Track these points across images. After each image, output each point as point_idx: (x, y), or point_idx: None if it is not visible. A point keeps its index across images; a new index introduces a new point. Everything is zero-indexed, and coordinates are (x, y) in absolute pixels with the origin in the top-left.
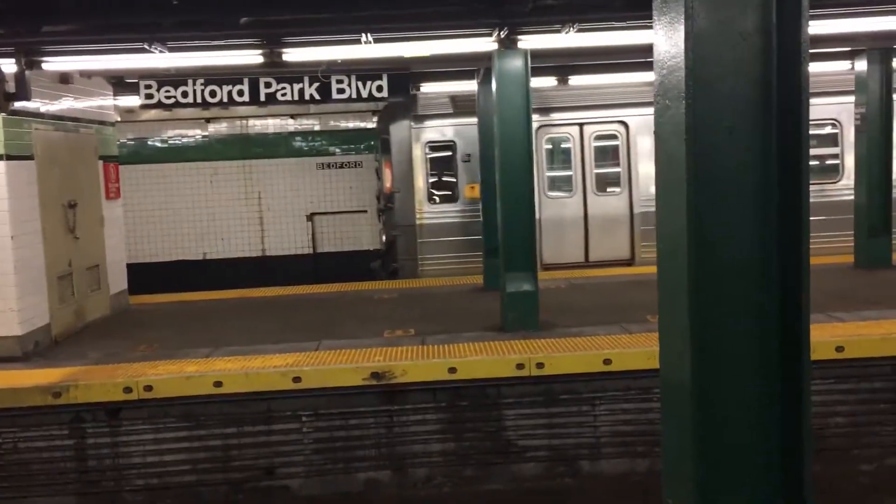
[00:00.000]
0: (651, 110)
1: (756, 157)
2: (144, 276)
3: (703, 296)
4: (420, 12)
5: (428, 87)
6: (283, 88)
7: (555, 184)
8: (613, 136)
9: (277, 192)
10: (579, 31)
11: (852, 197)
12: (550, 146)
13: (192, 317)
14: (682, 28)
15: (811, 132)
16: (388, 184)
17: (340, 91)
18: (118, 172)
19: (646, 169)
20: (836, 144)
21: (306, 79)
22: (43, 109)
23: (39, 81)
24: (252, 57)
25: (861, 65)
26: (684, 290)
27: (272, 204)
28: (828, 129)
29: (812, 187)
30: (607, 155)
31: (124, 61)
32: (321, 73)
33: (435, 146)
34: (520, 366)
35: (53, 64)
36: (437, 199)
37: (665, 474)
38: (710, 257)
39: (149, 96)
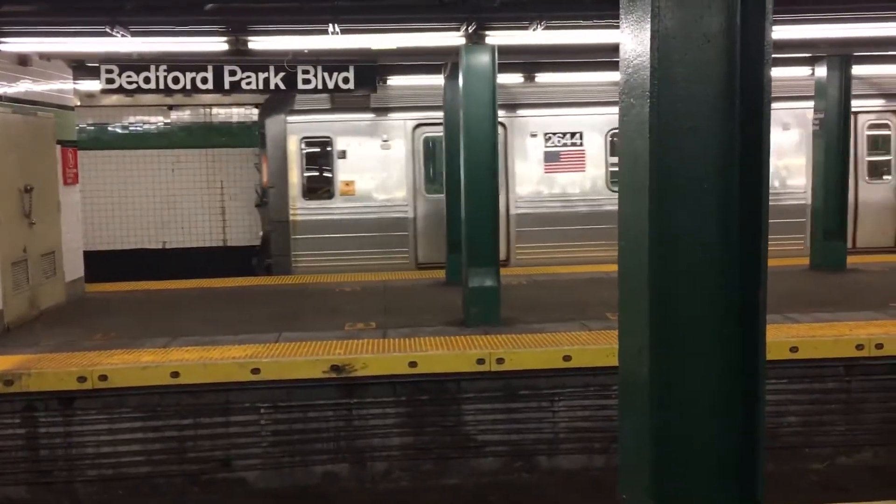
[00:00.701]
0: (527, 112)
1: (718, 158)
2: (102, 264)
3: (663, 293)
4: (388, 4)
5: (395, 81)
6: (248, 77)
7: (433, 183)
8: None
9: (240, 182)
10: (546, 28)
11: None
12: (431, 145)
13: (150, 306)
14: (648, 27)
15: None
16: (264, 178)
17: (306, 82)
18: (76, 158)
19: (521, 170)
20: None
21: (272, 68)
22: (0, 91)
23: None
24: (217, 44)
25: (821, 71)
26: (645, 288)
27: (235, 193)
28: None
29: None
30: None
31: (85, 44)
32: (287, 63)
33: (311, 141)
34: (480, 361)
35: (12, 45)
36: (312, 195)
37: (621, 470)
38: (671, 255)
39: (110, 81)
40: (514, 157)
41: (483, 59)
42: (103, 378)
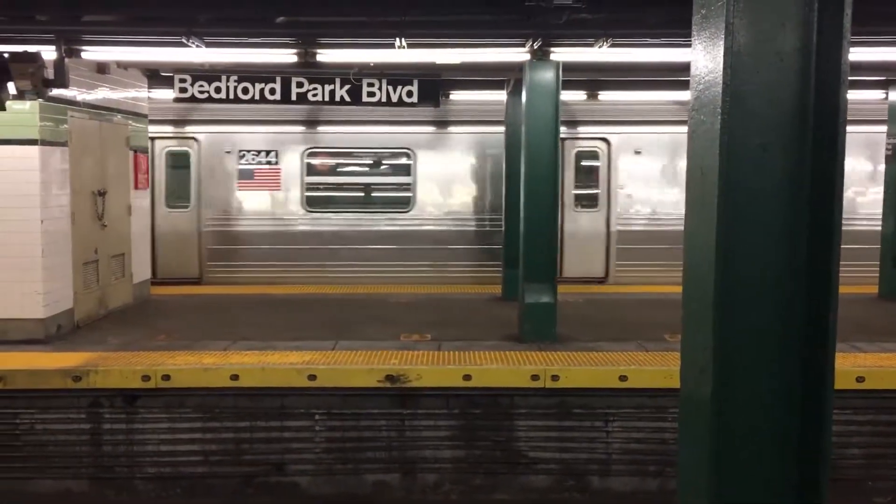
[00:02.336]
0: (222, 128)
1: (789, 177)
2: None
3: (728, 313)
4: (455, 19)
5: (458, 95)
6: (315, 89)
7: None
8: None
9: None
10: (612, 46)
11: (423, 227)
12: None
13: (211, 310)
14: (721, 44)
15: (388, 162)
16: None
17: (371, 94)
18: (148, 163)
19: (212, 187)
20: (408, 174)
21: (338, 80)
22: (79, 98)
23: (78, 70)
24: (286, 56)
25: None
26: (709, 307)
27: None
28: (402, 160)
29: (384, 216)
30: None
31: (161, 54)
32: (353, 76)
33: None
34: (535, 377)
35: (92, 53)
36: None
37: (680, 494)
38: (737, 274)
39: (183, 90)
40: (208, 173)
41: (547, 74)
42: (166, 378)
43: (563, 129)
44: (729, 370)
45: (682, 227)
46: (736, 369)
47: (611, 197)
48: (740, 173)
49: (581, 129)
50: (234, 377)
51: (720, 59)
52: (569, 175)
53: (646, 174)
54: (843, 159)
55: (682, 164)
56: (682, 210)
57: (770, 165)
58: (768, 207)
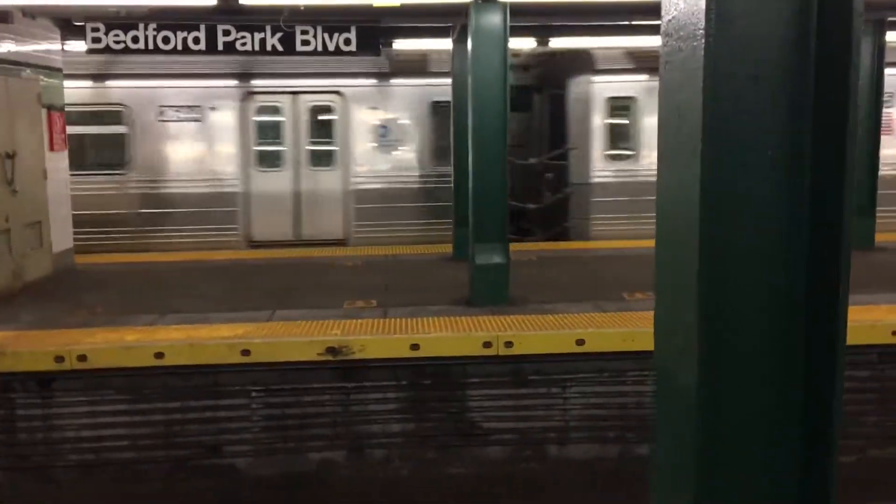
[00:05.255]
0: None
1: (787, 111)
2: None
3: (715, 282)
4: None
5: (400, 44)
6: (243, 37)
7: None
8: None
9: None
10: None
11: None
12: None
13: (140, 280)
14: None
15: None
16: None
17: (305, 43)
18: (64, 123)
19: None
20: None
21: (268, 28)
22: None
23: None
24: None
25: None
26: (692, 274)
27: None
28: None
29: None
30: None
31: None
32: (284, 23)
33: None
34: (487, 344)
35: None
36: None
37: (656, 487)
38: (726, 234)
39: (96, 40)
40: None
41: (494, 19)
42: (82, 359)
43: None
44: (714, 352)
45: None
46: (723, 350)
47: None
48: (728, 110)
49: None
50: (159, 355)
51: None
52: None
53: None
54: (856, 86)
55: None
56: None
57: (764, 98)
58: (763, 151)
